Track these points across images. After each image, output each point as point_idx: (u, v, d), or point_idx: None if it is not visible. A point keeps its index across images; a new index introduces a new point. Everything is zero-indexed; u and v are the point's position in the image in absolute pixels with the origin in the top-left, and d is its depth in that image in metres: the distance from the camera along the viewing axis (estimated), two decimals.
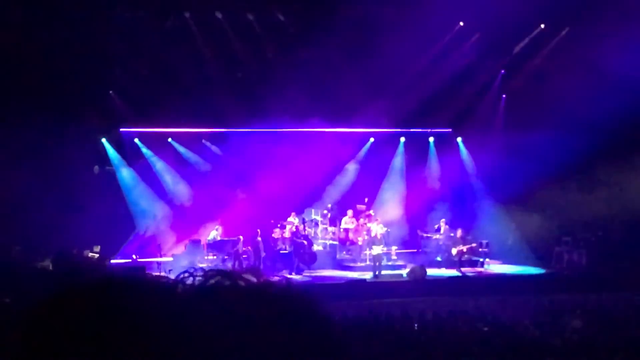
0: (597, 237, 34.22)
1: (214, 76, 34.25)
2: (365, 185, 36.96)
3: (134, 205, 34.72)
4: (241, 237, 31.31)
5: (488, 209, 36.56)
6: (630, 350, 16.42)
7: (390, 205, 36.84)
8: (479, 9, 32.83)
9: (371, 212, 35.04)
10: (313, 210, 35.51)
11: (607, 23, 32.26)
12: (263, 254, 31.48)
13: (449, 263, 33.43)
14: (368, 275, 31.50)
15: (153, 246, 32.48)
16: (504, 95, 37.95)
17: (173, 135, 35.48)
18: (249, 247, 31.34)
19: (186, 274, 2.09)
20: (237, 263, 30.94)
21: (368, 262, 32.76)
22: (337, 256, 34.34)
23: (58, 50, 30.55)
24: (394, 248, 33.77)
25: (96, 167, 34.23)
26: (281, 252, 32.34)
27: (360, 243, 33.76)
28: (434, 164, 38.56)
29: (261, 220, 33.27)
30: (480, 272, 33.31)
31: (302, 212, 34.89)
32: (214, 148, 35.81)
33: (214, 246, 31.37)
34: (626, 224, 33.72)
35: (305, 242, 32.32)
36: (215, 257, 31.30)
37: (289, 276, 31.12)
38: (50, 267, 28.52)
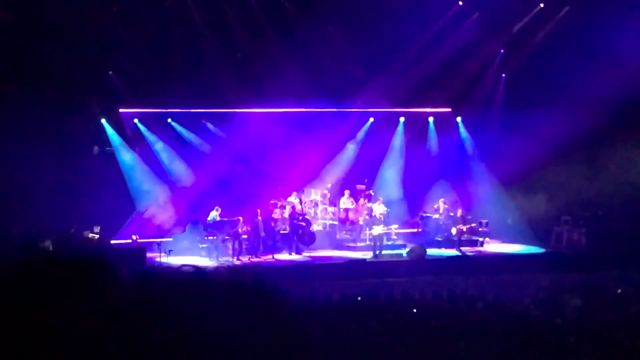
0: (596, 216, 34.23)
1: (214, 56, 34.17)
2: (365, 165, 36.96)
3: (134, 185, 34.67)
4: (241, 218, 31.28)
5: (487, 188, 36.57)
6: (630, 328, 16.45)
7: (390, 185, 36.86)
8: None
9: (371, 192, 35.04)
10: (313, 191, 35.51)
11: (607, 2, 32.25)
12: (262, 234, 31.49)
13: (448, 243, 33.45)
14: (368, 255, 31.56)
15: (153, 227, 32.48)
16: (503, 75, 37.88)
17: (173, 116, 35.40)
18: (249, 228, 31.35)
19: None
20: (236, 243, 30.97)
21: (368, 242, 32.82)
22: (337, 236, 34.36)
23: (57, 31, 30.50)
24: (394, 227, 33.77)
25: (96, 148, 34.19)
26: (281, 232, 32.36)
27: (360, 223, 33.77)
28: (433, 144, 38.51)
29: (261, 200, 33.27)
30: (480, 251, 33.35)
31: (302, 192, 34.88)
32: (213, 128, 35.73)
33: (214, 226, 31.35)
34: (626, 203, 33.73)
35: (303, 224, 32.33)
36: (215, 237, 31.30)
37: (289, 256, 31.32)
38: (50, 248, 28.52)
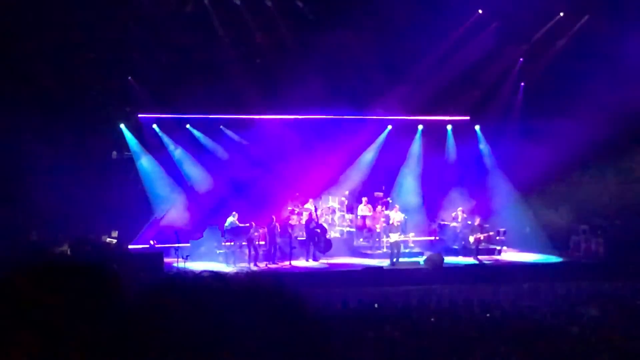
0: (614, 225, 34.10)
1: (233, 62, 34.25)
2: (383, 173, 36.91)
3: (152, 191, 34.72)
4: (253, 223, 31.26)
5: (505, 197, 36.48)
6: None
7: (408, 193, 36.80)
8: None
9: (389, 199, 34.98)
10: (330, 198, 35.49)
11: (627, 11, 32.19)
12: (279, 240, 31.49)
13: (466, 251, 33.38)
14: (385, 263, 31.51)
15: (171, 232, 32.52)
16: (522, 83, 37.81)
17: (191, 122, 35.47)
18: (266, 233, 31.33)
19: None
20: (253, 249, 30.97)
21: (385, 250, 32.79)
22: (354, 243, 34.33)
23: (77, 36, 30.62)
24: (411, 235, 33.76)
25: (114, 153, 34.27)
26: (298, 238, 32.34)
27: (378, 230, 33.74)
28: (451, 152, 38.47)
29: (279, 206, 33.27)
30: (497, 260, 33.25)
31: (320, 199, 34.85)
32: (231, 134, 35.77)
33: (231, 232, 31.35)
34: None
35: (318, 230, 32.29)
36: (232, 243, 31.29)
37: (305, 262, 31.33)
38: (69, 252, 28.58)
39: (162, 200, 34.58)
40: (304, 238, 32.31)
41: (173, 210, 34.21)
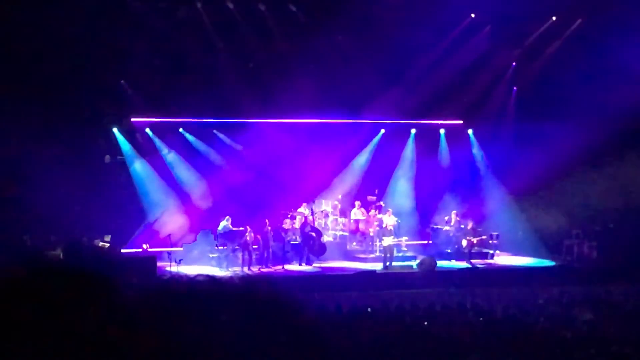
0: (607, 229, 34.13)
1: (226, 66, 34.21)
2: (376, 177, 36.92)
3: (145, 194, 34.67)
4: (249, 227, 31.25)
5: (498, 201, 36.53)
6: None
7: (401, 197, 36.81)
8: (490, 1, 32.93)
9: (382, 203, 34.98)
10: (323, 201, 35.47)
11: (620, 15, 32.24)
12: (272, 244, 31.47)
13: (459, 255, 33.40)
14: (378, 267, 31.52)
15: (164, 236, 32.49)
16: (515, 87, 37.83)
17: (184, 125, 35.41)
18: (259, 237, 31.32)
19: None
20: (246, 253, 30.96)
21: (378, 254, 32.78)
22: (348, 247, 34.31)
23: (70, 40, 30.57)
24: (404, 239, 33.73)
25: (107, 157, 34.22)
26: (291, 242, 32.31)
27: (371, 234, 33.74)
28: (444, 156, 38.48)
29: (272, 210, 33.23)
30: (490, 264, 33.30)
31: (313, 202, 34.80)
32: (224, 138, 35.73)
33: (225, 236, 31.33)
34: (637, 216, 33.63)
35: (314, 234, 32.29)
36: (225, 247, 31.27)
37: (299, 266, 31.31)
38: (61, 256, 28.53)
39: (155, 204, 34.54)
40: (297, 242, 32.28)
41: (166, 214, 34.19)
